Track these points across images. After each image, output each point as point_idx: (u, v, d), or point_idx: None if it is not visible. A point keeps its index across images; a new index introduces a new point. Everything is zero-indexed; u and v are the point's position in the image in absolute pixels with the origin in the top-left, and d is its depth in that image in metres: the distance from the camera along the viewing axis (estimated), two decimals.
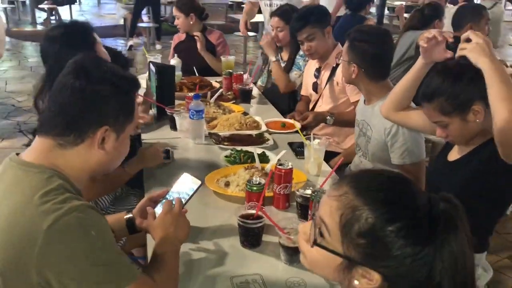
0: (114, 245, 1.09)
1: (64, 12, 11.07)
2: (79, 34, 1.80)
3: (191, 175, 1.45)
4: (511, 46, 7.88)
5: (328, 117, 2.55)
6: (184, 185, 1.43)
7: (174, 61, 3.27)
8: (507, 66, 3.63)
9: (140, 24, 8.70)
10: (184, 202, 1.37)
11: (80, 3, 12.96)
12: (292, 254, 1.38)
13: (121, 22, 9.87)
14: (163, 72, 2.57)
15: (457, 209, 0.83)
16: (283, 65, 3.18)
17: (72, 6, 11.08)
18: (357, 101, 2.38)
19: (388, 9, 10.87)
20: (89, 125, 1.11)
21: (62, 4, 10.73)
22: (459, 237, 0.81)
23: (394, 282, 0.82)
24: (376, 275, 0.82)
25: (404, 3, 10.64)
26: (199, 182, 1.42)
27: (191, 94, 2.51)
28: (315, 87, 2.82)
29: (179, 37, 3.77)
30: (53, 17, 10.89)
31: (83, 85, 1.09)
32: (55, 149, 1.10)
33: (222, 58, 3.36)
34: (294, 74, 3.14)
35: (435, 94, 1.55)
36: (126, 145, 1.21)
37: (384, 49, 2.11)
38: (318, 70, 2.80)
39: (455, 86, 1.51)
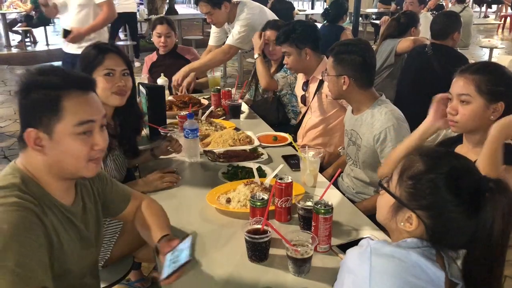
0: (14, 254, 1.05)
1: (39, 34, 10.99)
2: None
3: (190, 244, 1.40)
4: (481, 47, 8.13)
5: (341, 150, 2.63)
6: (182, 253, 1.37)
7: (161, 80, 3.31)
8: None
9: (118, 42, 8.70)
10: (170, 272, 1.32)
11: (54, 24, 12.84)
12: (300, 265, 1.43)
13: None
14: (153, 92, 2.61)
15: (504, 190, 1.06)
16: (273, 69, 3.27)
17: (47, 27, 10.98)
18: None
19: (361, 17, 11.11)
20: (21, 128, 1.22)
21: (36, 26, 10.66)
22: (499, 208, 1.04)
23: (434, 235, 1.09)
24: (416, 218, 1.09)
25: (376, 9, 10.93)
26: (190, 258, 1.35)
27: (183, 113, 2.55)
28: (303, 99, 2.90)
29: (151, 58, 3.74)
30: (28, 39, 10.80)
31: (16, 95, 1.22)
32: (24, 152, 1.25)
33: (209, 75, 3.42)
34: (279, 74, 3.22)
35: (482, 70, 1.62)
36: (68, 144, 1.20)
37: (369, 57, 2.20)
38: (306, 84, 2.88)
39: (503, 77, 1.61)
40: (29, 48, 10.51)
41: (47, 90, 1.19)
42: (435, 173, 1.09)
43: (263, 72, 3.20)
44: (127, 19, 8.51)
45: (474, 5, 16.00)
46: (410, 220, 1.11)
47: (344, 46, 2.21)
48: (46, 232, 1.19)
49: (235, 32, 3.45)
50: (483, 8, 16.02)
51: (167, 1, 12.95)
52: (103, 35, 3.77)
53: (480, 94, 1.60)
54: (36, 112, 1.19)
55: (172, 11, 12.78)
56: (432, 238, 1.09)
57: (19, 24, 10.54)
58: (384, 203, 1.19)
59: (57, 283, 1.21)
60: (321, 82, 2.73)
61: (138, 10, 9.28)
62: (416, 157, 1.15)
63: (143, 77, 3.40)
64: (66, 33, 3.54)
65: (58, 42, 11.29)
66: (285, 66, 2.95)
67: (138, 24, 9.83)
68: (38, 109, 1.19)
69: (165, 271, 1.31)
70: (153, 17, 10.28)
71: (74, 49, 3.59)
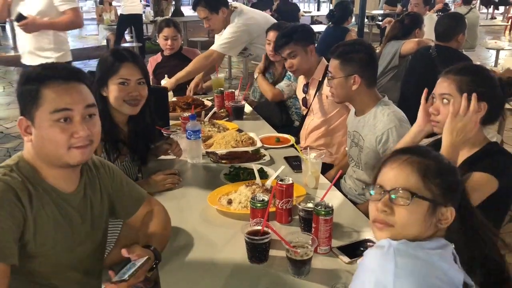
0: None
1: None
2: None
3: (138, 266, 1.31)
4: (487, 49, 8.09)
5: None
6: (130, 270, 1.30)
7: (165, 81, 3.32)
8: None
9: (124, 44, 8.75)
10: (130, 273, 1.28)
11: None
12: (300, 266, 1.43)
13: (104, 43, 9.91)
14: (157, 94, 2.60)
15: None
16: (271, 80, 3.27)
17: None
18: None
19: (367, 18, 11.10)
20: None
21: None
22: None
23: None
24: (450, 210, 1.13)
25: (382, 11, 10.91)
26: (125, 278, 1.26)
27: (186, 114, 2.56)
28: (305, 102, 2.90)
29: (155, 59, 3.75)
30: None
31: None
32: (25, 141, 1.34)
33: (212, 77, 3.43)
34: (283, 83, 3.22)
35: (464, 71, 1.62)
36: (47, 130, 1.27)
37: (374, 55, 2.22)
38: (306, 86, 2.88)
39: (485, 78, 1.61)
40: None
41: (32, 80, 1.29)
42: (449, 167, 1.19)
43: (266, 87, 3.24)
44: (132, 21, 8.57)
45: (481, 6, 15.97)
46: (446, 215, 1.14)
47: (350, 46, 2.21)
48: (23, 209, 1.25)
49: (222, 37, 3.45)
50: (490, 10, 15.96)
51: (173, 3, 13.01)
52: (64, 45, 3.43)
53: (461, 94, 1.59)
54: (23, 101, 1.29)
55: (178, 12, 12.82)
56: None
57: None
58: (416, 216, 1.12)
59: (44, 271, 1.31)
60: (320, 83, 2.73)
61: (144, 12, 9.33)
62: (419, 158, 1.16)
63: None
64: (21, 18, 3.13)
65: None
66: (288, 72, 2.96)
67: (144, 26, 9.88)
68: (24, 98, 1.29)
69: (121, 275, 1.27)
70: (159, 19, 10.33)
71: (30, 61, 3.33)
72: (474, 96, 1.54)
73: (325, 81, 2.64)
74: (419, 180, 1.13)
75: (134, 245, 1.37)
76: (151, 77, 3.55)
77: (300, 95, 2.97)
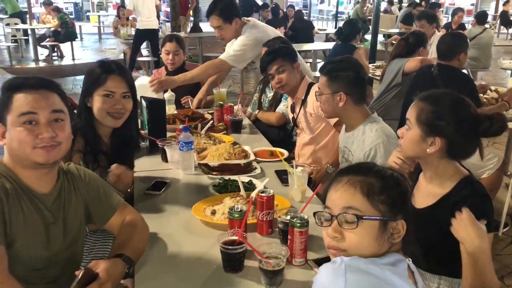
0: None
1: (66, 49, 11.35)
2: None
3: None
4: (502, 69, 8.01)
5: (329, 167, 2.62)
6: None
7: (168, 94, 3.39)
8: (491, 91, 3.72)
9: (140, 58, 8.92)
10: None
11: (81, 39, 13.26)
12: (272, 277, 1.44)
13: (121, 56, 10.11)
14: (154, 106, 2.68)
15: None
16: (267, 103, 3.37)
17: (74, 42, 11.35)
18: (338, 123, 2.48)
19: (384, 36, 11.11)
20: None
21: (63, 41, 11.04)
22: None
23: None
24: (401, 223, 1.13)
25: (398, 30, 10.91)
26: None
27: (181, 126, 2.61)
28: (294, 121, 2.96)
29: (160, 72, 3.80)
30: (54, 54, 11.17)
31: None
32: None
33: (214, 91, 3.48)
34: (282, 105, 3.27)
35: (431, 100, 1.59)
36: (15, 131, 1.39)
37: (362, 72, 2.25)
38: (293, 106, 2.95)
39: (450, 112, 1.55)
40: (55, 62, 10.88)
41: (6, 89, 1.44)
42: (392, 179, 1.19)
43: (268, 116, 3.34)
44: (149, 36, 8.74)
45: (501, 27, 15.83)
46: (396, 228, 1.14)
47: (337, 63, 2.24)
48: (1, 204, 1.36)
49: (231, 49, 3.50)
50: (511, 30, 15.81)
51: (192, 19, 13.23)
52: None
53: (418, 123, 1.58)
54: (0, 109, 1.43)
55: (197, 28, 13.05)
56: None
57: (47, 39, 10.93)
58: (367, 237, 1.12)
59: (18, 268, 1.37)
60: (303, 101, 2.78)
61: (160, 27, 9.52)
62: (358, 178, 1.17)
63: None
64: None
65: (83, 57, 11.67)
66: (279, 89, 3.02)
67: (160, 41, 10.07)
68: (1, 106, 1.43)
69: None
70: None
71: None
72: None
73: (308, 98, 2.70)
74: (363, 200, 1.12)
75: (100, 260, 1.39)
76: None
77: (290, 115, 3.04)
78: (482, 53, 7.08)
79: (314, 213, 1.23)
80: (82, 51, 12.68)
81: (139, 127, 2.47)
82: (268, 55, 2.85)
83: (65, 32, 10.74)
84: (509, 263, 3.07)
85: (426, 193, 1.65)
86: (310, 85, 2.83)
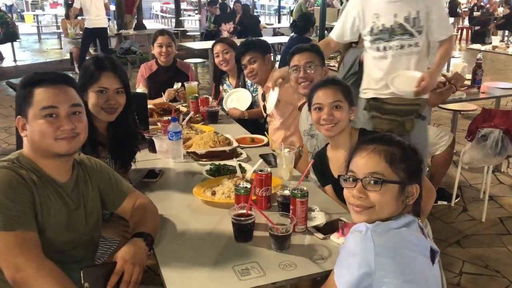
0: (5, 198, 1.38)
1: (6, 50, 10.93)
2: None
3: None
4: None
5: (301, 149, 2.80)
6: None
7: (140, 89, 3.48)
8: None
9: (89, 57, 8.75)
10: None
11: (20, 40, 12.75)
12: (282, 241, 1.63)
13: (67, 56, 9.89)
14: (136, 99, 2.77)
15: None
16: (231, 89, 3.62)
17: (14, 43, 10.94)
18: (303, 104, 2.67)
19: (327, 30, 11.50)
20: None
21: (3, 42, 10.61)
22: None
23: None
24: (415, 187, 1.34)
25: None
26: None
27: (166, 118, 2.73)
28: (265, 109, 3.16)
29: (150, 67, 3.81)
30: None
31: None
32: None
33: (186, 84, 3.60)
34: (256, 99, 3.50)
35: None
36: (36, 124, 1.49)
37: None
38: (263, 95, 3.18)
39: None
40: None
41: (26, 84, 1.52)
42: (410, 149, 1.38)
43: (255, 111, 3.46)
44: (98, 35, 8.63)
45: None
46: (412, 192, 1.34)
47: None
48: (31, 188, 1.46)
49: None
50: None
51: (136, 16, 13.09)
52: None
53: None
54: (19, 103, 1.52)
55: (140, 26, 12.94)
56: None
57: None
58: (387, 198, 1.32)
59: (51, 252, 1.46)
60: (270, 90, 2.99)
61: (108, 26, 9.39)
62: (384, 146, 1.35)
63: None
64: None
65: (25, 58, 11.28)
66: (247, 82, 3.20)
67: (108, 39, 9.93)
68: (20, 100, 1.52)
69: None
70: (123, 31, 10.40)
71: None
72: None
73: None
74: (386, 166, 1.33)
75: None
76: (140, 80, 3.75)
77: (261, 103, 3.26)
78: None
79: (339, 176, 1.42)
80: (23, 52, 12.21)
81: None
82: (241, 47, 3.13)
83: (5, 32, 10.33)
84: (463, 228, 3.42)
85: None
86: None
